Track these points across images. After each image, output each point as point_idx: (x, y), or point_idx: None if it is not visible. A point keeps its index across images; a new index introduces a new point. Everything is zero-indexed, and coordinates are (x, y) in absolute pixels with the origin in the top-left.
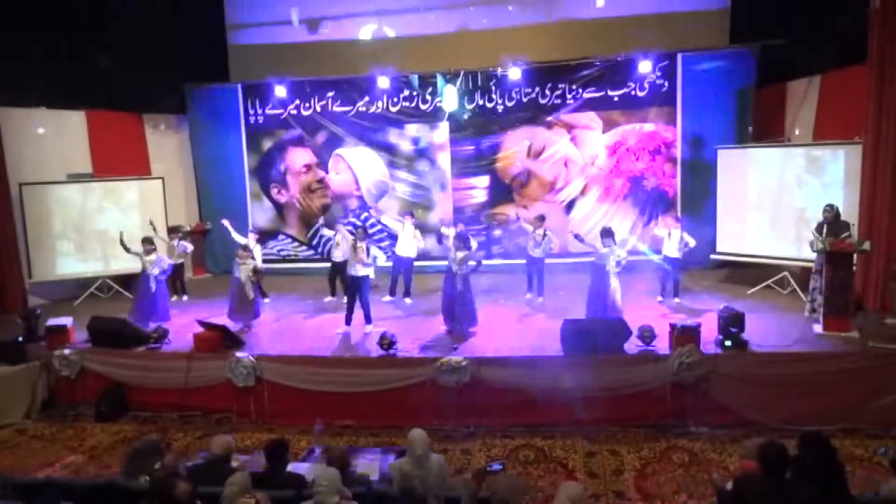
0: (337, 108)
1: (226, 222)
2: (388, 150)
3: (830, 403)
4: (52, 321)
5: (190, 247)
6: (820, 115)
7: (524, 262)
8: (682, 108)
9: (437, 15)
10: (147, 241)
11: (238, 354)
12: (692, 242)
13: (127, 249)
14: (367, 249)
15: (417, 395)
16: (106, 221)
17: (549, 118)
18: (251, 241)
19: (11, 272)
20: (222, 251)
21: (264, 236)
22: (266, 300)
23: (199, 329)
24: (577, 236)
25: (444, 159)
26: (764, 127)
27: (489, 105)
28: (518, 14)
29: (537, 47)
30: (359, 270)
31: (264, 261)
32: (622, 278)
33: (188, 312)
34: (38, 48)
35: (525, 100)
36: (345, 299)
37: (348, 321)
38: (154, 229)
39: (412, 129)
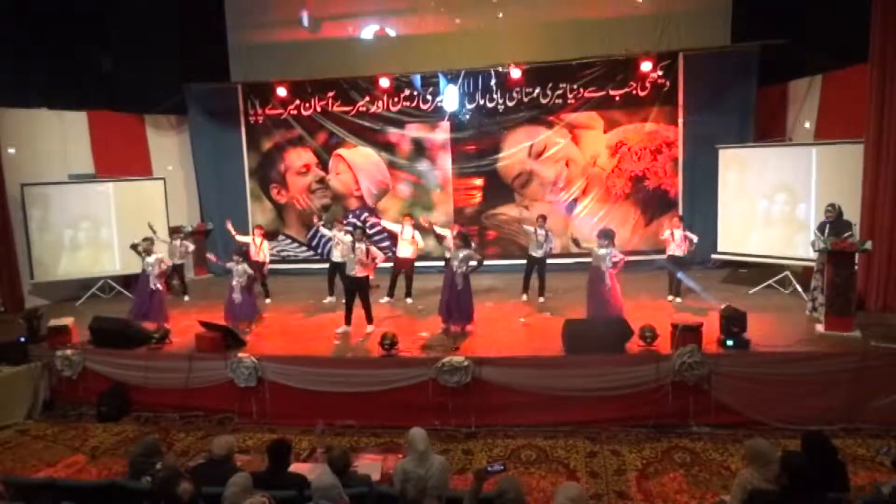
0: (337, 108)
1: (229, 226)
2: (389, 150)
3: (832, 403)
4: (54, 321)
5: (191, 246)
6: (821, 114)
7: (524, 262)
8: (683, 107)
9: (438, 14)
10: (147, 242)
11: (240, 354)
12: (695, 238)
13: (135, 248)
14: (367, 250)
15: (418, 395)
16: (107, 222)
17: (551, 118)
18: (256, 236)
19: (10, 274)
20: (224, 251)
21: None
22: (268, 301)
23: (201, 329)
24: (574, 241)
25: (444, 159)
26: (765, 126)
27: (490, 105)
28: (520, 13)
29: (539, 47)
30: (358, 271)
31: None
32: (624, 278)
33: (189, 312)
34: (40, 49)
35: (526, 99)
36: (344, 299)
37: (348, 321)
38: (153, 231)
39: (413, 128)
